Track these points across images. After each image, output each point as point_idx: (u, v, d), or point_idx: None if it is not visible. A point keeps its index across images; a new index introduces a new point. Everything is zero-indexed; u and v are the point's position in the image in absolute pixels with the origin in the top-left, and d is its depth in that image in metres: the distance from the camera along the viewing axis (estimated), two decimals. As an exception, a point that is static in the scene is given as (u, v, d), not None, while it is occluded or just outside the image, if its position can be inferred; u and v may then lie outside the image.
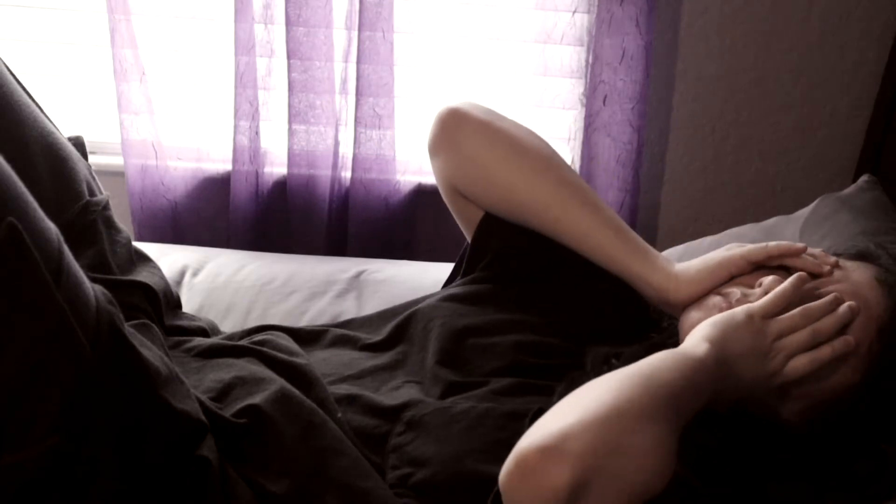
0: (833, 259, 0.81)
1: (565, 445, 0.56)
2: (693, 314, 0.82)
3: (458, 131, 0.94)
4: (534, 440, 0.58)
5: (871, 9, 1.58)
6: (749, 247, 0.83)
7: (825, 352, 0.73)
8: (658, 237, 1.77)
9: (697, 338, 0.70)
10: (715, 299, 0.81)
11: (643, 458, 0.59)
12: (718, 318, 0.72)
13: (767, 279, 0.79)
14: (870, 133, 1.66)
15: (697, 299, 0.83)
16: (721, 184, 1.73)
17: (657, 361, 0.65)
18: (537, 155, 0.93)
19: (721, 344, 0.69)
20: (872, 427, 0.74)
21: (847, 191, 1.26)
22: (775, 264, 0.83)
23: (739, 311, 0.73)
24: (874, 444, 0.73)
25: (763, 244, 0.83)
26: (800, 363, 0.73)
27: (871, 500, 0.70)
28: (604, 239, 0.89)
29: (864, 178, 1.27)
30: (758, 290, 0.79)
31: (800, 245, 0.81)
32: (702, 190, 1.73)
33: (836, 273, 0.79)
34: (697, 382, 0.66)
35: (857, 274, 0.79)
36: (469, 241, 1.01)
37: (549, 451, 0.56)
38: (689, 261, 0.87)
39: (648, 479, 0.60)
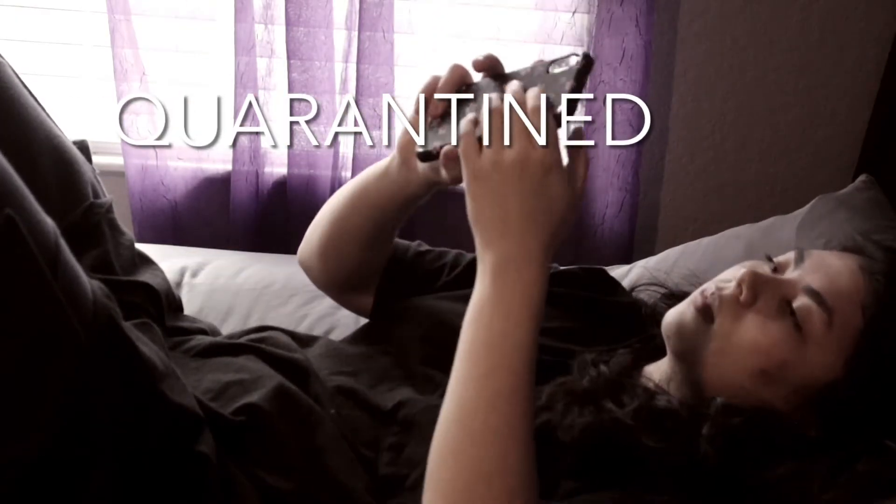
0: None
1: None
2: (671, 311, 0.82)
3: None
4: None
5: (871, 9, 1.58)
6: None
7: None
8: (658, 237, 1.77)
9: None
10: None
11: None
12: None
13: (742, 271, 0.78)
14: (870, 133, 1.66)
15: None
16: (721, 184, 1.73)
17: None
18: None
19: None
20: (876, 424, 0.74)
21: (844, 191, 1.26)
22: None
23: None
24: (879, 441, 0.73)
25: None
26: None
27: (874, 497, 0.70)
28: None
29: (861, 178, 1.27)
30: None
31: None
32: (702, 190, 1.73)
33: (809, 262, 0.77)
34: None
35: (837, 263, 0.77)
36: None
37: None
38: None
39: None
